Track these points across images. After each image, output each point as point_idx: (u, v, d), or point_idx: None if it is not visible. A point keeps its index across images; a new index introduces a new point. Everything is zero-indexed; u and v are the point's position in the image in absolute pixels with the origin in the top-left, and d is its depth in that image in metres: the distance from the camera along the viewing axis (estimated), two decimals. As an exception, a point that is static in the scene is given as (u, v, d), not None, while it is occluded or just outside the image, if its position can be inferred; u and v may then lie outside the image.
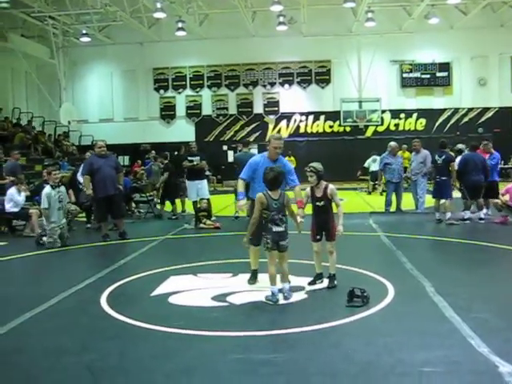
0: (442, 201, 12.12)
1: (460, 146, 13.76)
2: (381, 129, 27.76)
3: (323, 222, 6.41)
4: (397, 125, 27.82)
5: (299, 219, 6.28)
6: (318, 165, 6.40)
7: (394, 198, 14.02)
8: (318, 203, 6.41)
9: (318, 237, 6.48)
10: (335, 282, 6.39)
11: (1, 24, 21.36)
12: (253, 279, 6.74)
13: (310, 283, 6.49)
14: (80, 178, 11.92)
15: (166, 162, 15.21)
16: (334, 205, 6.45)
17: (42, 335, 5.05)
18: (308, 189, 6.54)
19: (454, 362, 4.09)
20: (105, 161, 10.68)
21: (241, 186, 6.88)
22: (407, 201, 14.17)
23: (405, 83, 27.56)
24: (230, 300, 5.96)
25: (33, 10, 22.15)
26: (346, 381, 3.87)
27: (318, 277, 6.54)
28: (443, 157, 12.01)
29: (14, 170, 13.67)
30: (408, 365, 4.08)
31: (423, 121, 27.61)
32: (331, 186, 6.40)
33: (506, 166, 24.88)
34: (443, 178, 11.93)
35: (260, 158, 6.97)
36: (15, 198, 11.50)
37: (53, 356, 4.50)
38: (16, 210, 11.50)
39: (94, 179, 10.48)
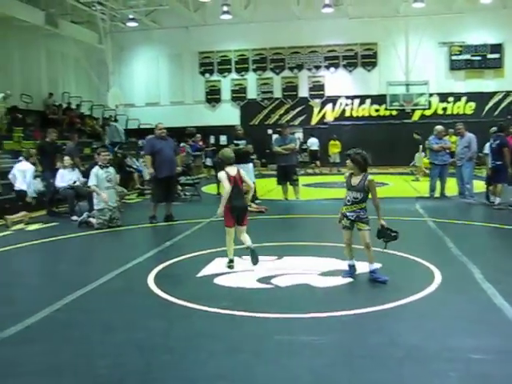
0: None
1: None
2: (428, 113, 27.11)
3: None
4: (445, 108, 27.12)
5: None
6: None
7: (439, 183, 13.77)
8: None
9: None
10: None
11: (52, 11, 21.72)
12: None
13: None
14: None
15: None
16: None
17: (92, 312, 5.21)
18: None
19: (503, 352, 4.00)
20: (165, 143, 10.84)
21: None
22: (452, 186, 13.85)
23: (454, 66, 26.79)
24: (275, 282, 5.98)
25: (81, -4, 22.52)
26: (392, 364, 3.84)
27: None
28: (497, 141, 11.71)
29: (71, 152, 13.67)
30: (456, 351, 4.01)
31: (472, 104, 26.82)
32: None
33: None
34: (498, 163, 11.63)
35: None
36: (65, 176, 11.82)
37: (102, 332, 4.65)
38: (64, 184, 11.76)
39: (155, 160, 10.62)
